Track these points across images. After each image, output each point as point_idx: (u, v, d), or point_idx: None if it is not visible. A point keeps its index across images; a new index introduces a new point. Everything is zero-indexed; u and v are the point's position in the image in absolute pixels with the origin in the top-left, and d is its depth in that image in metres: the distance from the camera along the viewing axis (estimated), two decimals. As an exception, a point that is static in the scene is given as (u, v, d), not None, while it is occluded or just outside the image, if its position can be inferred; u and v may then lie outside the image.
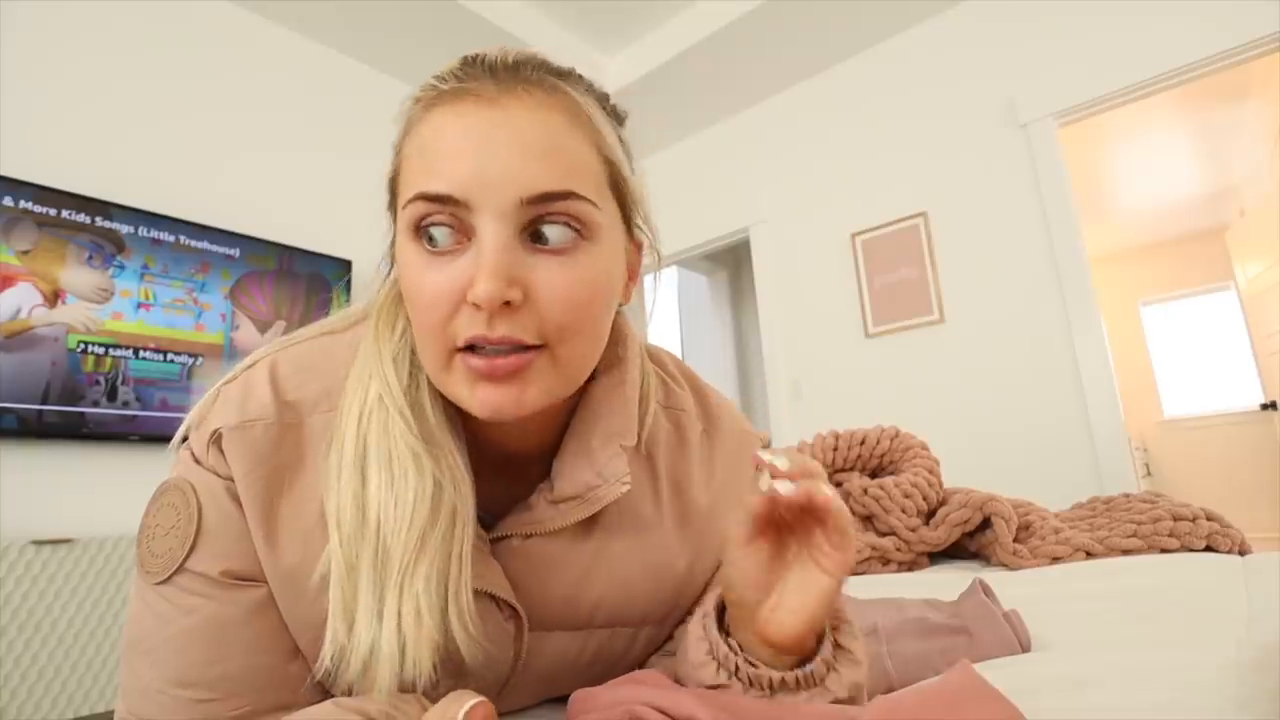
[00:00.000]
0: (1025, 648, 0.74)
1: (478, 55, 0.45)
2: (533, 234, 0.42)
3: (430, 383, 0.47)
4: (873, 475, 1.63)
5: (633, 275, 0.52)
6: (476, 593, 0.45)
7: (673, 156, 3.71)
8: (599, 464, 0.49)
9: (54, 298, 1.98)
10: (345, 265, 2.66)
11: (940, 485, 1.52)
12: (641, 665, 0.57)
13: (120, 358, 2.08)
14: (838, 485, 1.62)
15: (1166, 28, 2.37)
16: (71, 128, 2.16)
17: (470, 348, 0.42)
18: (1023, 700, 0.54)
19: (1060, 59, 2.57)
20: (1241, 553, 1.21)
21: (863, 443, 1.63)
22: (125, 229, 2.14)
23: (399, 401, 0.45)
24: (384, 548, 0.42)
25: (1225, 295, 5.57)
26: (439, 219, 0.42)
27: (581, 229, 0.43)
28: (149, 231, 2.18)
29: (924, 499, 1.46)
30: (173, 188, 2.33)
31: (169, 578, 0.44)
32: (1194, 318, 5.79)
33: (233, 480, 0.45)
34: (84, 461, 2.04)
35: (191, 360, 2.23)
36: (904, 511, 1.44)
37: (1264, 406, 5.02)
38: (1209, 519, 1.23)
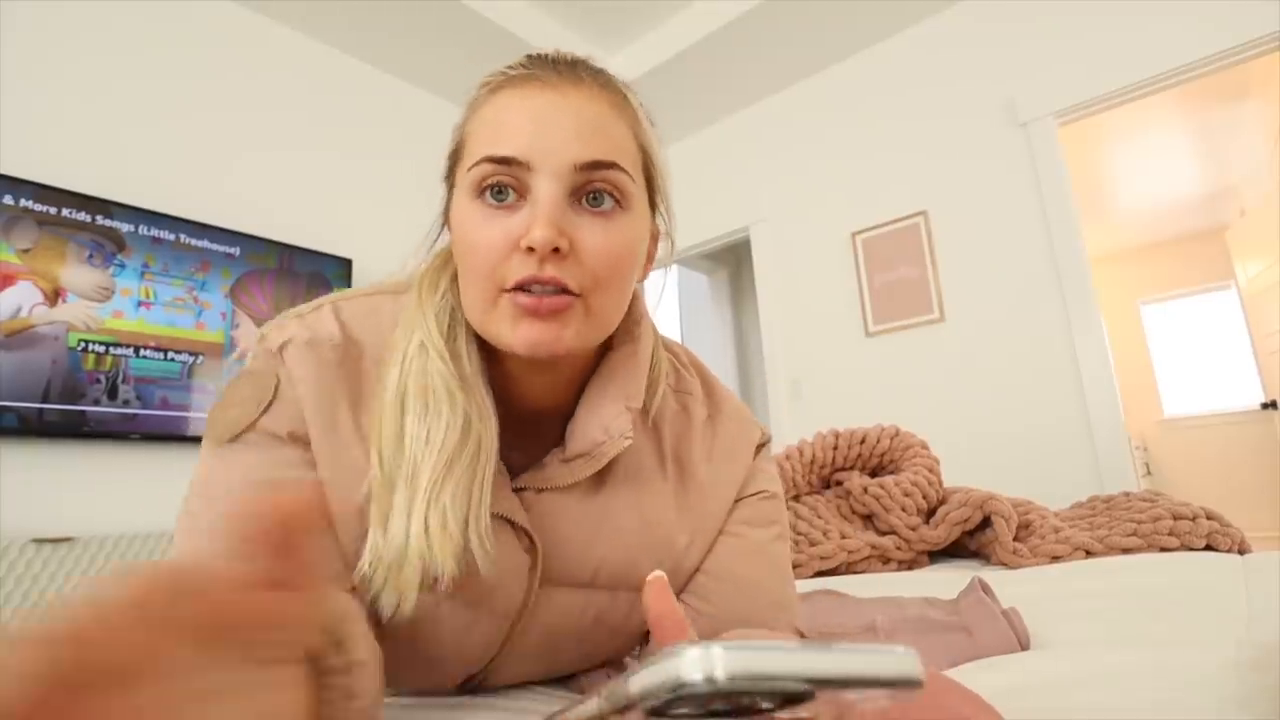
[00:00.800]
0: (1024, 646, 0.74)
1: (541, 53, 0.52)
2: (580, 197, 0.49)
3: (467, 336, 0.53)
4: (873, 474, 1.63)
5: (650, 258, 0.58)
6: (496, 517, 0.51)
7: (673, 155, 3.70)
8: (606, 421, 0.54)
9: (54, 296, 1.98)
10: (345, 264, 2.66)
11: (940, 484, 1.52)
12: (642, 637, 0.61)
13: (121, 356, 2.08)
14: (838, 484, 1.62)
15: (1166, 27, 2.37)
16: (72, 126, 2.16)
17: (518, 289, 0.47)
18: (1022, 698, 0.55)
19: (1060, 58, 2.57)
20: (1241, 552, 1.21)
21: (863, 441, 1.63)
22: (126, 227, 2.14)
23: (439, 346, 0.51)
24: (414, 468, 0.47)
25: (1225, 294, 5.57)
26: (501, 177, 0.48)
27: (621, 198, 0.50)
28: (149, 230, 2.18)
29: (924, 498, 1.46)
30: (173, 186, 2.33)
31: (239, 435, 0.49)
32: (1194, 317, 5.79)
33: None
34: (84, 460, 2.04)
35: (192, 359, 2.23)
36: (904, 510, 1.44)
37: (1264, 406, 5.02)
38: (1209, 518, 1.23)
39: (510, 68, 0.52)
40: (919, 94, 2.91)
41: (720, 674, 0.21)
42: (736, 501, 0.61)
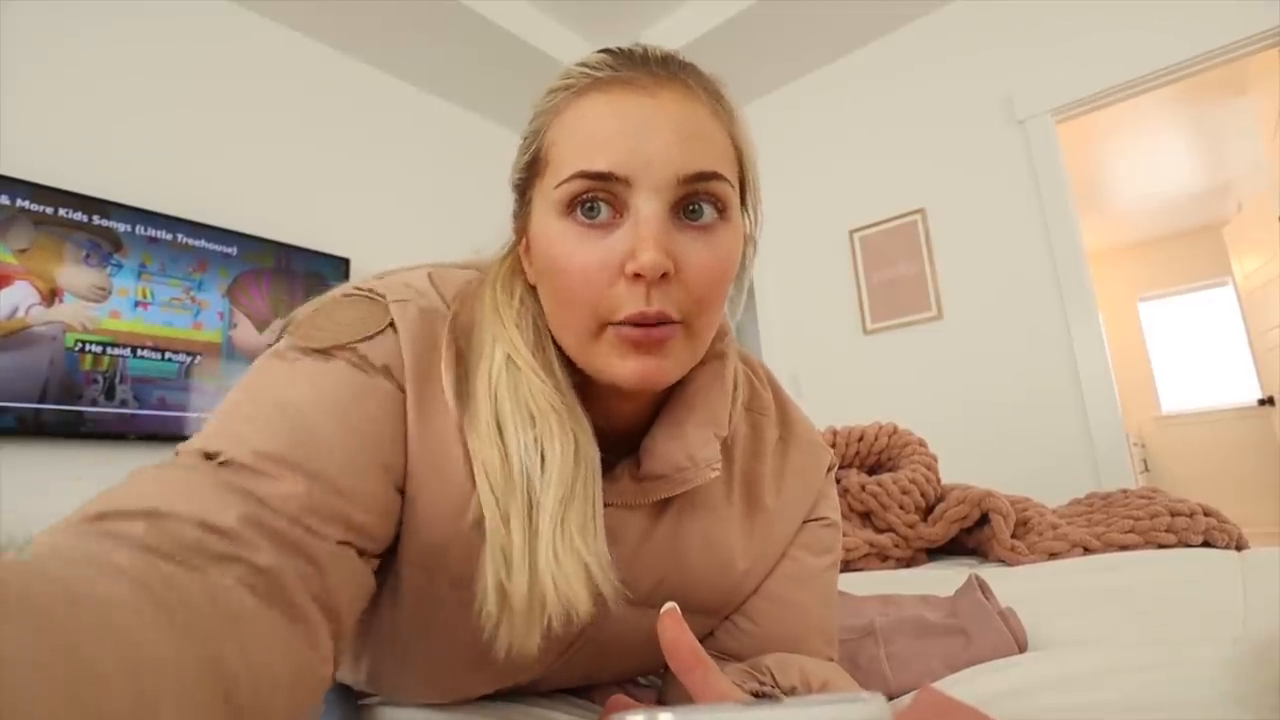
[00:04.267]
0: (1022, 647, 0.74)
1: (628, 49, 0.48)
2: (682, 211, 0.45)
3: (557, 352, 0.49)
4: (871, 472, 1.63)
5: (742, 265, 0.55)
6: None
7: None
8: (691, 448, 0.51)
9: (51, 296, 1.98)
10: (343, 263, 2.66)
11: (938, 482, 1.52)
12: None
13: (118, 356, 2.08)
14: (836, 481, 1.62)
15: (1164, 23, 2.37)
16: (68, 126, 2.15)
17: (617, 326, 0.44)
18: (1019, 699, 0.55)
19: (1057, 55, 2.57)
20: (1239, 548, 1.21)
21: (861, 439, 1.63)
22: (122, 227, 2.13)
23: (530, 362, 0.47)
24: (534, 498, 0.44)
25: (1223, 290, 5.58)
26: (598, 195, 0.44)
27: (723, 209, 0.46)
28: (146, 230, 2.18)
29: (922, 495, 1.46)
30: (170, 186, 2.32)
31: (334, 347, 0.44)
32: (1192, 313, 5.80)
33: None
34: (82, 460, 2.03)
35: (189, 359, 2.22)
36: (902, 508, 1.45)
37: (1261, 402, 5.04)
38: (1206, 514, 1.23)
39: (592, 67, 0.47)
40: (916, 91, 2.91)
41: None
42: (800, 525, 0.60)
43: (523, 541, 0.43)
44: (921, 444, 1.62)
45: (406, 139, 3.08)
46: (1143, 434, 5.68)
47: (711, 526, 0.55)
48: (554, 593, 0.42)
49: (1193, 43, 2.30)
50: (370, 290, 0.49)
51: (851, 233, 3.02)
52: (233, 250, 2.36)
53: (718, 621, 0.59)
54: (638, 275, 0.42)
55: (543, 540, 0.43)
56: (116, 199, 2.14)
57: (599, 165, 0.43)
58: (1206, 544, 1.21)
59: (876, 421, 1.67)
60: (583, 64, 0.47)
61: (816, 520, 0.61)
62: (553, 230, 0.46)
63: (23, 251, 1.94)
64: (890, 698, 0.67)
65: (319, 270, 2.59)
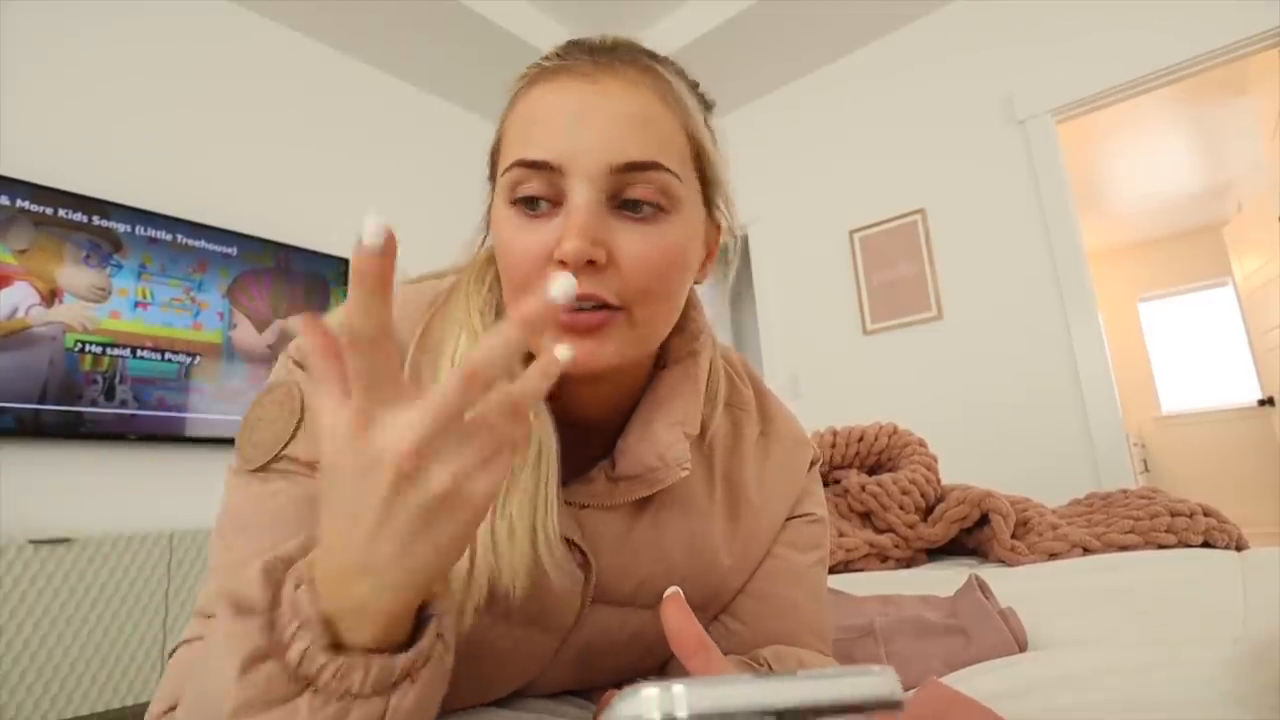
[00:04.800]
0: (1022, 647, 0.74)
1: (580, 39, 0.49)
2: (619, 203, 0.45)
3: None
4: (871, 472, 1.63)
5: (710, 255, 0.55)
6: None
7: (670, 154, 3.70)
8: (661, 447, 0.51)
9: (51, 297, 1.98)
10: (343, 264, 2.66)
11: (938, 482, 1.52)
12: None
13: (118, 357, 2.08)
14: (836, 482, 1.62)
15: (1164, 24, 2.37)
16: (68, 126, 2.15)
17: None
18: (1020, 699, 0.55)
19: (1058, 55, 2.57)
20: (1239, 548, 1.21)
21: (861, 439, 1.63)
22: (122, 228, 2.13)
23: None
24: None
25: (1223, 291, 5.57)
26: (533, 183, 0.45)
27: (664, 201, 0.45)
28: (146, 230, 2.18)
29: (922, 496, 1.46)
30: (170, 186, 2.32)
31: (268, 464, 0.46)
32: (1192, 313, 5.80)
33: None
34: (82, 461, 2.03)
35: (189, 359, 2.22)
36: (902, 508, 1.44)
37: (1261, 402, 5.03)
38: (1206, 514, 1.23)
39: (546, 56, 0.48)
40: (916, 92, 2.91)
41: (681, 714, 0.21)
42: (785, 521, 0.60)
43: None
44: (921, 444, 1.61)
45: (406, 139, 3.08)
46: (1143, 434, 5.68)
47: (693, 524, 0.55)
48: (486, 566, 0.43)
49: (1193, 43, 2.31)
50: (292, 364, 0.49)
51: (851, 233, 3.02)
52: (232, 251, 2.36)
53: (706, 620, 0.59)
54: (563, 262, 0.43)
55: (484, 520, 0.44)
56: (116, 199, 2.14)
57: (533, 154, 0.44)
58: (1206, 544, 1.21)
59: (876, 422, 1.67)
60: (545, 55, 0.49)
61: (801, 517, 0.61)
62: (500, 217, 0.47)
63: (23, 252, 1.94)
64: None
65: (319, 271, 2.59)
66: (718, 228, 0.54)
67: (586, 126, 0.44)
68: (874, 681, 0.22)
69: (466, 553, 0.43)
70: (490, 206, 0.52)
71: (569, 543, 0.50)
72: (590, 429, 0.53)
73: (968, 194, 2.74)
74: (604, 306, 0.44)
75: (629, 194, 0.45)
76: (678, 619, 0.35)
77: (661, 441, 0.51)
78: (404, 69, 3.04)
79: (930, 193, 2.83)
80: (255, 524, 0.45)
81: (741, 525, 0.57)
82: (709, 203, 0.52)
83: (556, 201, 0.45)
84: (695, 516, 0.55)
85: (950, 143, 2.80)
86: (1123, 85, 2.44)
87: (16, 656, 1.67)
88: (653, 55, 0.49)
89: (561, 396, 0.51)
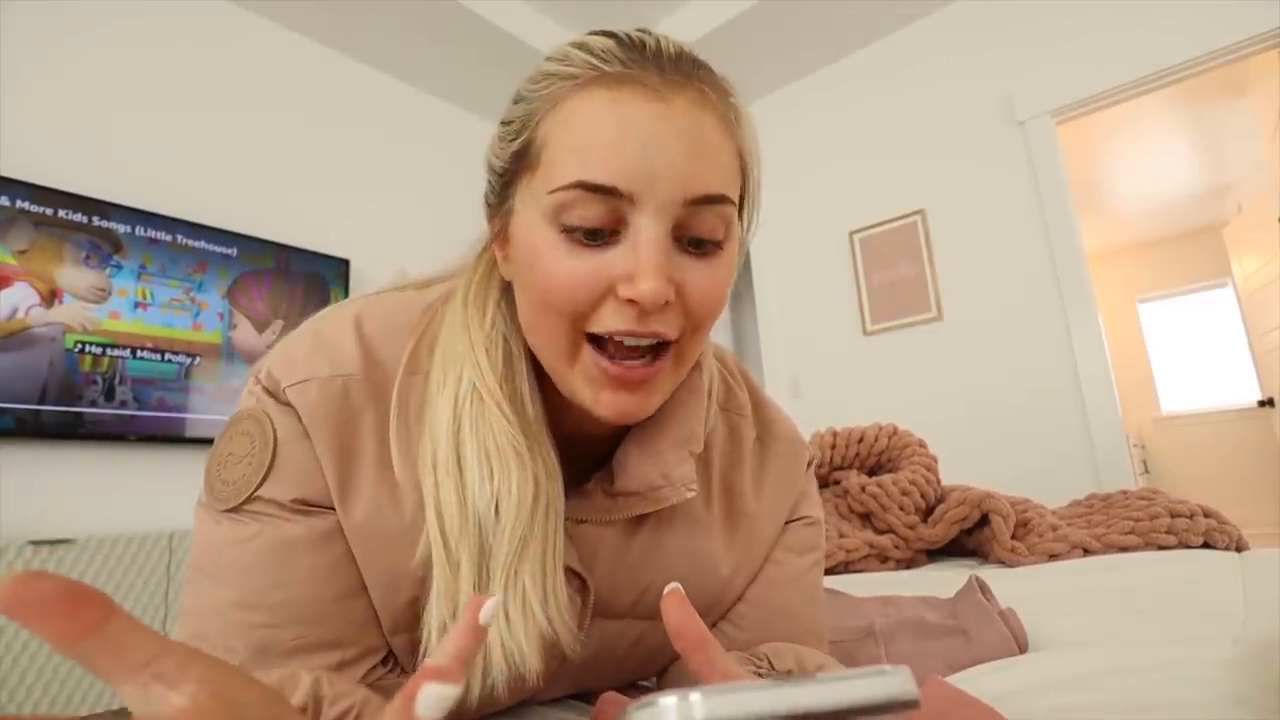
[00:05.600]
0: (1022, 647, 0.74)
1: (641, 42, 0.43)
2: (683, 234, 0.42)
3: (529, 373, 0.47)
4: (871, 473, 1.63)
5: None
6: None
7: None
8: (666, 466, 0.49)
9: (51, 297, 1.98)
10: (343, 264, 2.66)
11: (938, 483, 1.52)
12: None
13: (118, 357, 2.08)
14: (836, 483, 1.62)
15: (1164, 24, 2.37)
16: (68, 127, 2.15)
17: (598, 340, 0.42)
18: (1020, 699, 0.55)
19: (1057, 56, 2.57)
20: (1239, 549, 1.21)
21: (861, 440, 1.63)
22: (122, 228, 2.13)
23: (496, 395, 0.44)
24: (486, 547, 0.42)
25: (1223, 292, 5.57)
26: (595, 209, 0.40)
27: (726, 232, 0.43)
28: (146, 231, 2.18)
29: (922, 496, 1.46)
30: (169, 187, 2.32)
31: (240, 505, 0.44)
32: (1191, 314, 5.80)
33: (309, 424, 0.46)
34: (82, 461, 2.03)
35: (189, 360, 2.22)
36: (902, 509, 1.44)
37: (1261, 403, 5.03)
38: (1206, 515, 1.23)
39: (598, 56, 0.41)
40: (916, 93, 2.91)
41: None
42: (783, 526, 0.59)
43: (472, 590, 0.41)
44: (921, 445, 1.61)
45: (406, 139, 3.08)
46: (1142, 435, 5.68)
47: (691, 536, 0.53)
48: (500, 655, 0.40)
49: (1193, 44, 2.31)
50: (262, 392, 0.47)
51: (852, 234, 3.02)
52: (232, 251, 2.36)
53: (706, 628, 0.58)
54: (631, 301, 0.40)
55: (494, 591, 0.41)
56: (116, 200, 2.14)
57: (600, 177, 0.39)
58: (1206, 545, 1.21)
59: (876, 422, 1.67)
60: (586, 50, 0.42)
61: (799, 520, 0.59)
62: (540, 237, 0.42)
63: (23, 253, 1.94)
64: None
65: (318, 271, 2.59)
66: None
67: (660, 152, 0.39)
68: (890, 681, 0.22)
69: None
70: (505, 210, 0.46)
71: (567, 569, 0.48)
72: (584, 441, 0.51)
73: (968, 195, 2.74)
74: (654, 351, 0.42)
75: (695, 229, 0.41)
76: (679, 615, 0.35)
77: (667, 460, 0.49)
78: (403, 69, 3.04)
79: (930, 193, 2.83)
80: (227, 571, 0.43)
81: (740, 533, 0.56)
82: (741, 216, 0.49)
83: (616, 226, 0.41)
84: (694, 528, 0.54)
85: (950, 143, 2.80)
86: (1122, 86, 2.44)
87: (16, 657, 1.67)
88: (705, 65, 0.45)
89: (560, 413, 0.49)
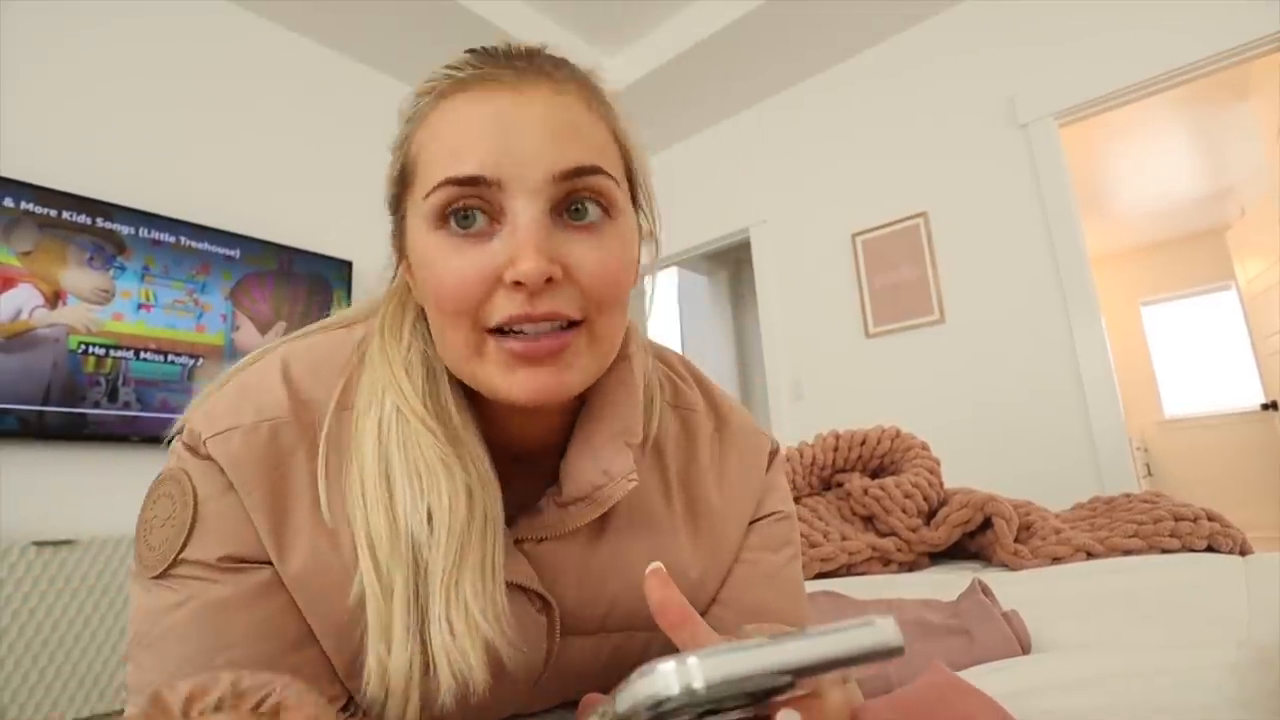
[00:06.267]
0: (1025, 649, 0.74)
1: (489, 47, 0.45)
2: (564, 211, 0.43)
3: (451, 386, 0.47)
4: (873, 475, 1.63)
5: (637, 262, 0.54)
6: (508, 585, 0.45)
7: (673, 157, 3.71)
8: (604, 462, 0.48)
9: (55, 299, 1.98)
10: (345, 266, 2.66)
11: (941, 485, 1.52)
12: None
13: (121, 359, 2.08)
14: (838, 485, 1.62)
15: (1166, 27, 2.37)
16: (72, 129, 2.16)
17: (503, 331, 0.42)
18: (1023, 700, 0.54)
19: (1060, 59, 2.57)
20: (1243, 553, 1.21)
21: (863, 443, 1.63)
22: (125, 230, 2.14)
23: (419, 411, 0.44)
24: (422, 562, 0.41)
25: (1226, 295, 5.56)
26: (469, 202, 0.41)
27: (608, 206, 0.44)
28: (149, 232, 2.18)
29: (925, 499, 1.46)
30: (173, 188, 2.33)
31: (166, 570, 0.43)
32: (1195, 317, 5.79)
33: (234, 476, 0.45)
34: (85, 462, 2.04)
35: (192, 361, 2.23)
36: (904, 512, 1.44)
37: (1264, 406, 5.02)
38: (1210, 519, 1.23)
39: (454, 67, 0.44)
40: (919, 95, 2.91)
41: (699, 684, 0.21)
42: (751, 524, 0.57)
43: (405, 613, 0.40)
44: (924, 448, 1.61)
45: (409, 142, 3.09)
46: (1145, 438, 5.67)
47: (655, 539, 0.52)
48: (446, 667, 0.39)
49: (1196, 47, 2.31)
50: (183, 449, 0.46)
51: (854, 236, 3.02)
52: (235, 253, 2.37)
53: None
54: (518, 284, 0.40)
55: (434, 609, 0.40)
56: (119, 201, 2.15)
57: (467, 169, 0.41)
58: (1210, 549, 1.21)
59: (879, 425, 1.67)
60: (447, 65, 0.45)
61: (769, 517, 0.58)
62: (427, 244, 0.43)
63: (26, 254, 1.95)
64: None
65: (321, 272, 2.59)
66: (641, 229, 0.52)
67: (520, 136, 0.41)
68: (877, 631, 0.24)
69: (406, 655, 0.40)
70: (402, 238, 0.47)
71: (525, 591, 0.48)
72: (534, 453, 0.51)
73: (970, 197, 2.74)
74: (564, 325, 0.42)
75: (573, 202, 0.42)
76: (661, 592, 0.34)
77: (603, 456, 0.48)
78: (404, 70, 3.05)
79: (933, 196, 2.83)
80: (161, 641, 0.42)
81: (704, 531, 0.55)
82: (636, 204, 0.50)
83: (494, 219, 0.42)
84: (656, 529, 0.53)
85: (953, 146, 2.80)
86: (1125, 89, 2.44)
87: (19, 658, 1.67)
88: (564, 61, 0.47)
89: (496, 427, 0.49)
